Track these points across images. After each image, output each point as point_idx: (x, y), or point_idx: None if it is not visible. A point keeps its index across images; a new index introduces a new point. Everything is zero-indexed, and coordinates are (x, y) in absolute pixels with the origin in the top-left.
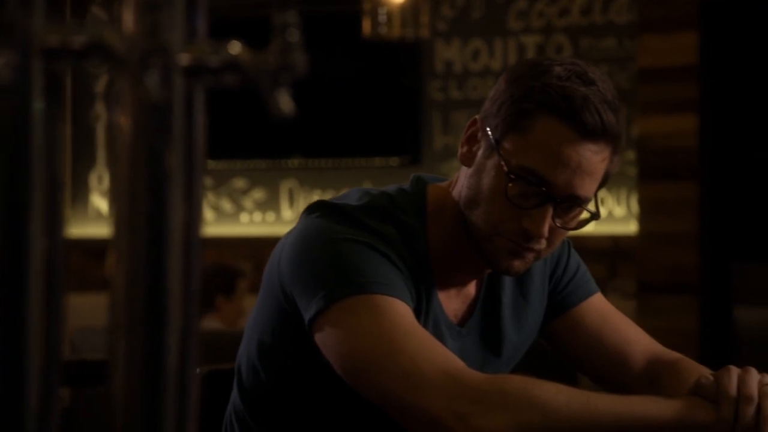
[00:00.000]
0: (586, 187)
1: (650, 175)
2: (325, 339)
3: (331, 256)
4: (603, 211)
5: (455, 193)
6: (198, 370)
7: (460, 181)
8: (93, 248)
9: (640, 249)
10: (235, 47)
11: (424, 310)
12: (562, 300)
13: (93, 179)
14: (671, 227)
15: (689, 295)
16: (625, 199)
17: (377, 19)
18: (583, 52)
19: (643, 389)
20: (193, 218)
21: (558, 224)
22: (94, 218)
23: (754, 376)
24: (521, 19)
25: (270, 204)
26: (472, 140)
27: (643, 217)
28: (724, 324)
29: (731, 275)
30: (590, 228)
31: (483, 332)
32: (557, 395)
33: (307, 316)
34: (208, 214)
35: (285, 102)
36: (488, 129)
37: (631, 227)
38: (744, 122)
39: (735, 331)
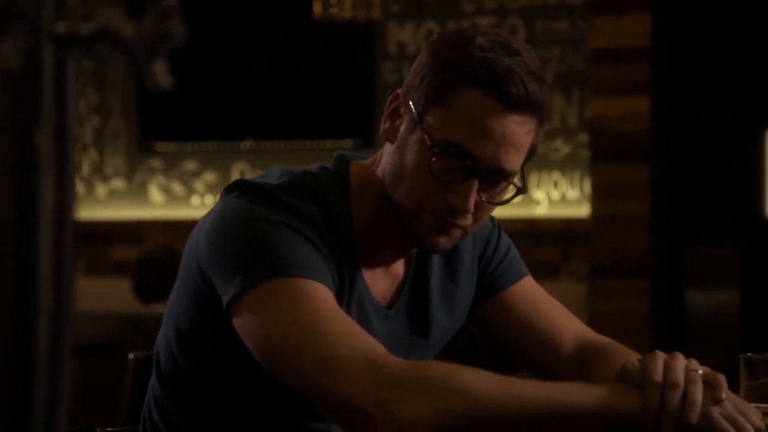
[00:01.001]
0: (512, 160)
1: (603, 158)
2: (242, 323)
3: (250, 237)
4: (556, 194)
5: (379, 170)
6: (132, 356)
7: (384, 158)
8: None
9: (592, 232)
10: (109, 15)
11: (347, 291)
12: (491, 283)
13: None
14: (623, 210)
15: (641, 279)
16: (578, 182)
17: (328, 0)
18: (537, 34)
19: (572, 374)
20: (65, 199)
21: (484, 199)
22: None
23: (681, 362)
24: (474, 1)
25: (221, 187)
26: (394, 115)
27: (596, 200)
28: (677, 307)
29: (684, 258)
30: (543, 211)
31: (411, 314)
32: (480, 381)
33: (224, 299)
34: (158, 197)
35: (162, 73)
36: (411, 103)
37: (585, 210)
38: (696, 104)
39: (687, 314)
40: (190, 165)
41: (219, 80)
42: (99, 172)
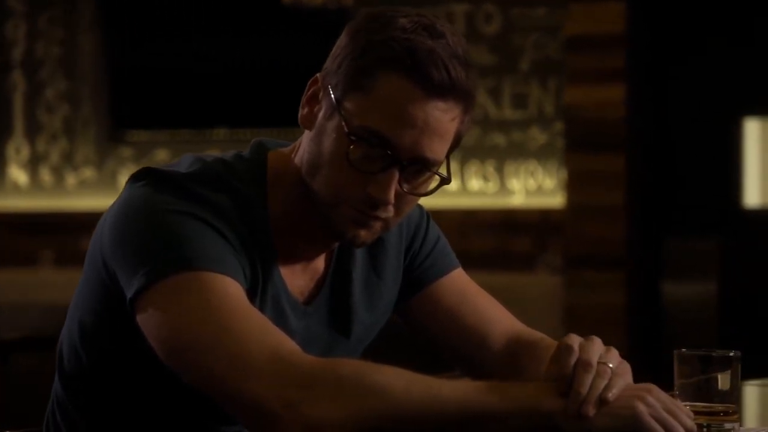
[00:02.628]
0: (435, 148)
1: (578, 147)
2: (146, 320)
3: (155, 229)
4: (533, 184)
5: (297, 159)
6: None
7: (302, 145)
8: (12, 222)
9: (567, 223)
10: None
11: (261, 286)
12: (418, 276)
13: (10, 150)
14: (599, 200)
15: (618, 270)
16: (554, 172)
17: None
18: (514, 21)
19: (501, 370)
20: None
21: (406, 189)
22: (11, 190)
23: (597, 346)
24: None
25: None
26: (313, 101)
27: (571, 190)
28: (653, 300)
29: (661, 250)
30: (519, 201)
31: (331, 311)
32: (396, 380)
33: (128, 294)
34: None
35: None
36: (329, 87)
37: (561, 200)
38: (674, 92)
39: (664, 307)
40: (162, 154)
41: (190, 68)
42: (69, 161)
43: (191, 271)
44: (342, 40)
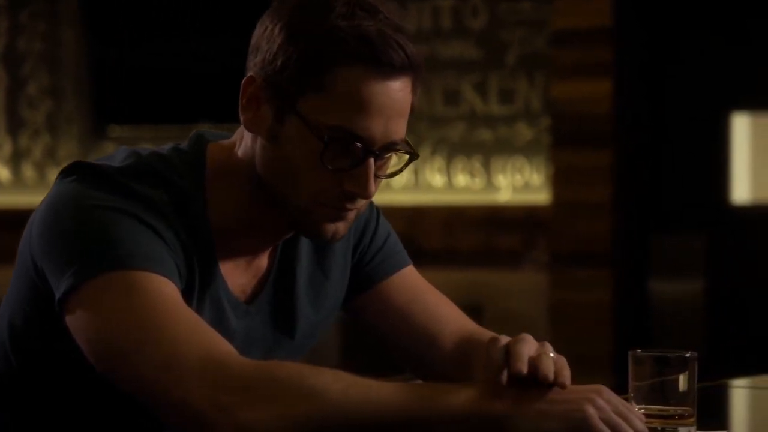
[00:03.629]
0: (401, 129)
1: (564, 142)
2: (75, 321)
3: (84, 226)
4: (520, 180)
5: (241, 153)
6: None
7: (247, 143)
8: None
9: (552, 219)
10: None
11: (199, 286)
12: (368, 273)
13: None
14: (585, 196)
15: (604, 267)
16: (542, 168)
17: None
18: (500, 15)
19: (452, 370)
20: None
21: (382, 176)
22: None
23: (529, 342)
24: None
25: None
26: (253, 103)
27: (557, 186)
28: (640, 297)
29: (646, 246)
30: (506, 197)
31: (274, 310)
32: (333, 384)
33: (57, 294)
34: None
35: None
36: (275, 90)
37: (548, 196)
38: (661, 87)
39: (650, 304)
40: None
41: (173, 63)
42: (52, 157)
43: (122, 271)
44: (277, 37)
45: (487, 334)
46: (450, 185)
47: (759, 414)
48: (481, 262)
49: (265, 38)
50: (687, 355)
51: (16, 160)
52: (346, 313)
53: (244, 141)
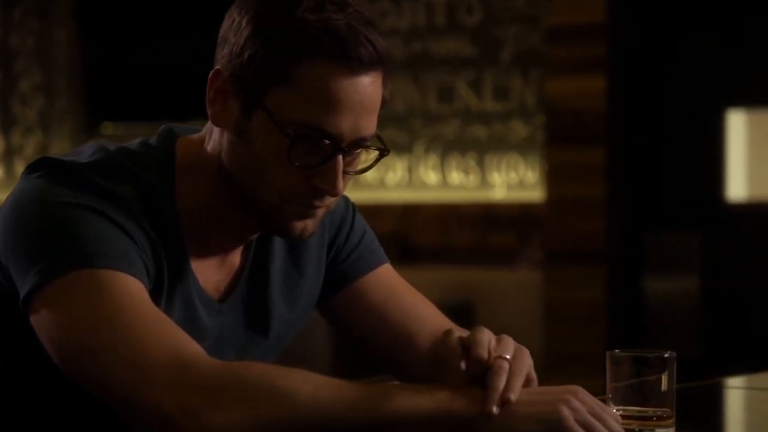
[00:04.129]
0: (371, 125)
1: (558, 139)
2: (39, 321)
3: (50, 223)
4: (515, 178)
5: (210, 148)
6: None
7: (215, 138)
8: None
9: (547, 217)
10: None
11: (169, 284)
12: (343, 271)
13: None
14: (579, 194)
15: (598, 265)
16: (536, 165)
17: None
18: (495, 12)
19: (429, 370)
20: None
21: (351, 172)
22: None
23: (486, 339)
24: None
25: None
26: (220, 97)
27: (551, 183)
28: (634, 295)
29: (641, 244)
30: (500, 195)
31: (247, 308)
32: (303, 385)
33: (21, 293)
34: None
35: None
36: (242, 84)
37: (542, 194)
38: (655, 83)
39: (645, 302)
40: None
41: (167, 60)
42: (44, 153)
43: (88, 269)
44: (244, 30)
45: (463, 333)
46: (444, 183)
47: (750, 415)
48: (475, 259)
49: (233, 30)
50: (666, 356)
51: (8, 158)
52: (321, 312)
53: (212, 136)
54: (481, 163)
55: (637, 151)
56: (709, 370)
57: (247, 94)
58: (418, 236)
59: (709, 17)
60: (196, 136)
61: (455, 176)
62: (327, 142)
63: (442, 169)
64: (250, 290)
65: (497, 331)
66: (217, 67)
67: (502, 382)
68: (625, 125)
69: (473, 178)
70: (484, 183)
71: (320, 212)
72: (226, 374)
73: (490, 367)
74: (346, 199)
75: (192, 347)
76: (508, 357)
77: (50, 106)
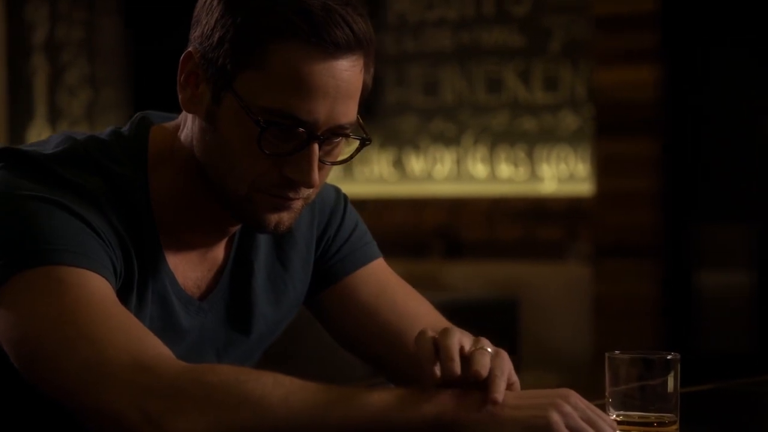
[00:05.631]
0: (349, 111)
1: (607, 131)
2: None
3: (9, 217)
4: (565, 170)
5: (184, 137)
6: None
7: (189, 126)
8: None
9: (596, 210)
10: None
11: (140, 281)
12: (333, 267)
13: (32, 135)
14: (629, 186)
15: (648, 259)
16: (587, 157)
17: None
18: (543, 1)
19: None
20: None
21: (328, 162)
22: None
23: (459, 338)
24: None
25: None
26: (191, 80)
27: (600, 176)
28: (686, 289)
29: (692, 237)
30: (550, 188)
31: (229, 306)
32: (274, 390)
33: None
34: None
35: None
36: (212, 66)
37: (592, 186)
38: (707, 72)
39: (696, 295)
40: None
41: None
42: None
43: (49, 266)
44: (215, 10)
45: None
46: (493, 175)
47: None
48: (522, 254)
49: (205, 10)
50: (669, 357)
51: None
52: (308, 309)
53: (187, 128)
54: (530, 155)
55: (689, 142)
56: (762, 367)
57: (217, 77)
58: (466, 230)
59: (764, 4)
60: (171, 123)
61: (504, 169)
62: (301, 129)
63: (491, 161)
64: (233, 287)
65: (545, 328)
66: (188, 49)
67: (495, 369)
68: (676, 116)
69: (522, 171)
70: (534, 176)
71: (297, 204)
72: (190, 378)
73: (470, 357)
74: (337, 190)
75: (157, 349)
76: (489, 349)
77: (96, 98)
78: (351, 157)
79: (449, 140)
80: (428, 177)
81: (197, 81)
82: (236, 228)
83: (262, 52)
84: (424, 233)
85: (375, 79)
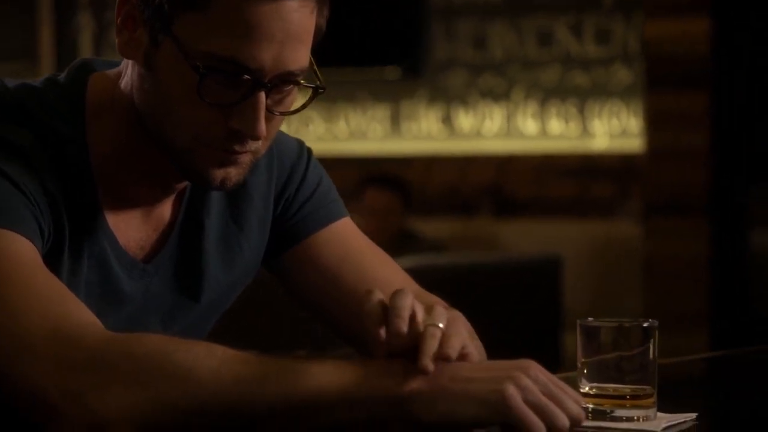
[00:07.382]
0: (300, 57)
1: (658, 85)
2: None
3: None
4: (617, 126)
5: (124, 84)
6: None
7: (128, 72)
8: None
9: (646, 167)
10: None
11: (71, 243)
12: (294, 226)
13: None
14: (681, 143)
15: (700, 218)
16: (640, 112)
17: None
18: None
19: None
20: None
21: (277, 112)
22: None
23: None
24: None
25: None
26: (129, 23)
27: (651, 132)
28: (738, 249)
29: (746, 196)
30: (602, 144)
31: (177, 269)
32: (205, 361)
33: None
34: None
35: None
36: (150, 7)
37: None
38: (762, 26)
39: (749, 256)
40: None
41: None
42: None
43: None
44: None
45: (428, 299)
46: (543, 132)
47: None
48: (572, 212)
49: None
50: (646, 325)
51: None
52: (270, 272)
53: (128, 76)
54: (581, 111)
55: (743, 97)
56: None
57: (155, 19)
58: (515, 188)
59: None
60: (113, 71)
61: (555, 125)
62: (246, 77)
63: (542, 117)
64: (181, 248)
65: (592, 289)
66: None
67: (435, 344)
68: (730, 70)
69: (573, 127)
70: (585, 132)
71: (244, 159)
72: (115, 349)
73: (420, 335)
74: (300, 143)
75: (81, 318)
76: (440, 325)
77: None
78: (303, 106)
79: (498, 96)
80: (477, 134)
81: (135, 24)
82: (184, 185)
83: None
84: (473, 191)
85: (423, 34)
